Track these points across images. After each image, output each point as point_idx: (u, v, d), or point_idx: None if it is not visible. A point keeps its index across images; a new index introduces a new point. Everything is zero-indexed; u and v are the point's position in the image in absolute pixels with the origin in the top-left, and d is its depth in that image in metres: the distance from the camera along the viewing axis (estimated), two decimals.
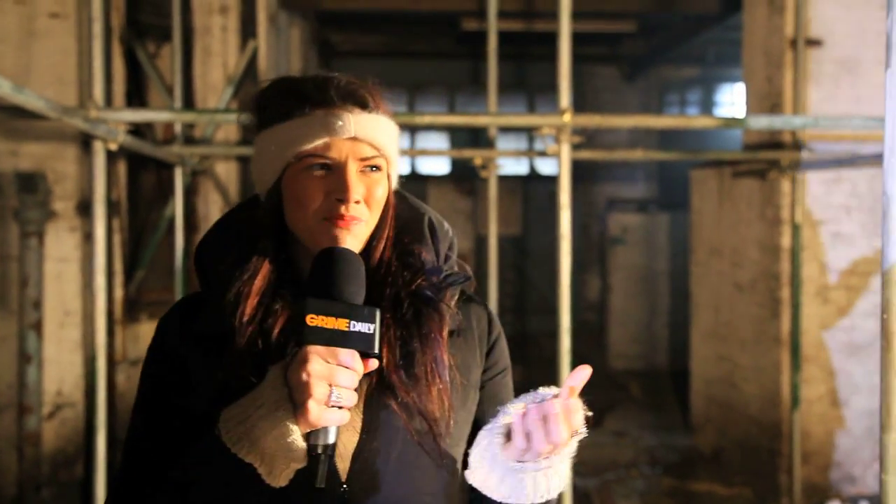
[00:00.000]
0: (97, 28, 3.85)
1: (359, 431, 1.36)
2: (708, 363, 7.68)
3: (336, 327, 1.21)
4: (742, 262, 7.00)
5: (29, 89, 3.03)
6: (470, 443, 1.46)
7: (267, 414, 1.21)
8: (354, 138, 1.38)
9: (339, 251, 1.30)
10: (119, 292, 6.02)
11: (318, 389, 1.18)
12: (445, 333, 1.42)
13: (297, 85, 1.44)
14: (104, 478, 3.99)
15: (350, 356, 1.20)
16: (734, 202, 7.13)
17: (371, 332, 1.23)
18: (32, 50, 5.70)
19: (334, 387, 1.19)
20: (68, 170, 5.73)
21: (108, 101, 5.72)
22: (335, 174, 1.38)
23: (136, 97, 6.29)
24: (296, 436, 1.20)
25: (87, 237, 5.61)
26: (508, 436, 1.29)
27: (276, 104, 1.43)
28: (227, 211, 1.57)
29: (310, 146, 1.37)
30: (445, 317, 1.43)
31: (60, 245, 5.73)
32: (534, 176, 14.35)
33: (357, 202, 1.37)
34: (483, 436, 1.34)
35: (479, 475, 1.34)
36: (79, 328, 5.69)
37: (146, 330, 6.44)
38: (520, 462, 1.28)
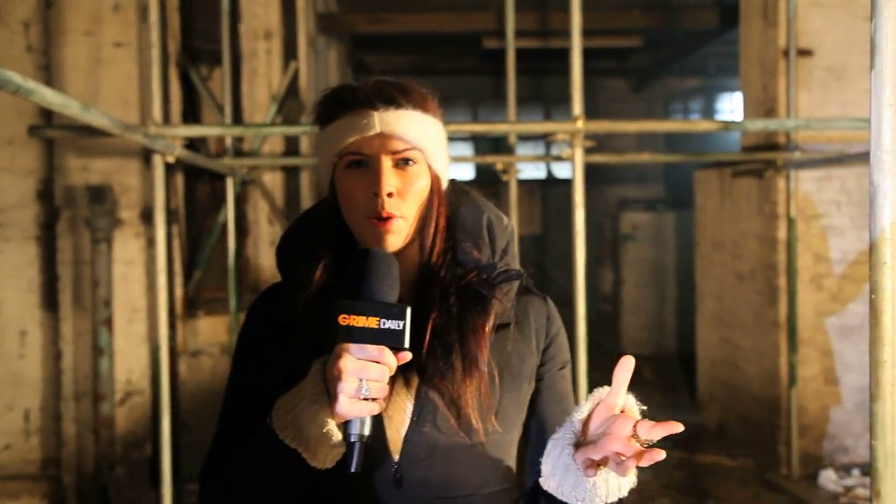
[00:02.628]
0: (155, 54, 3.89)
1: (409, 416, 1.35)
2: (712, 347, 7.64)
3: (367, 325, 1.19)
4: (742, 254, 6.96)
5: (95, 109, 3.06)
6: (526, 431, 1.45)
7: (308, 405, 1.21)
8: (382, 134, 1.35)
9: (371, 252, 1.27)
10: (179, 291, 6.06)
11: (348, 384, 1.17)
12: (489, 328, 1.37)
13: (336, 92, 1.43)
14: (169, 456, 4.03)
15: (379, 352, 1.18)
16: (734, 199, 7.09)
17: (401, 328, 1.20)
18: (100, 76, 5.74)
19: (364, 381, 1.18)
20: (132, 182, 5.77)
21: (166, 118, 5.76)
22: (370, 169, 1.35)
23: (191, 115, 6.33)
24: (331, 426, 1.20)
25: (150, 242, 5.64)
26: (577, 444, 1.22)
27: (322, 110, 1.42)
28: (306, 209, 1.56)
29: (343, 144, 1.36)
30: (491, 312, 1.38)
31: (127, 249, 5.77)
32: (551, 180, 14.33)
33: (390, 195, 1.33)
34: (553, 445, 1.28)
35: (552, 483, 1.28)
36: (144, 323, 5.73)
37: (204, 324, 6.49)
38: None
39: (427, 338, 1.34)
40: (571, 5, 3.89)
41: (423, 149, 1.39)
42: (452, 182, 1.52)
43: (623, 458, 1.13)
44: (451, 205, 1.47)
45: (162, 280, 4.00)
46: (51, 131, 4.65)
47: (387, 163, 1.35)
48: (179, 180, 6.09)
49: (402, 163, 1.37)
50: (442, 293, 1.38)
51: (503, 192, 6.88)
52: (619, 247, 11.73)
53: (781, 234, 6.27)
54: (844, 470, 6.17)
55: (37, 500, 5.79)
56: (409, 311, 1.21)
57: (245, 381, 1.43)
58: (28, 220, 5.83)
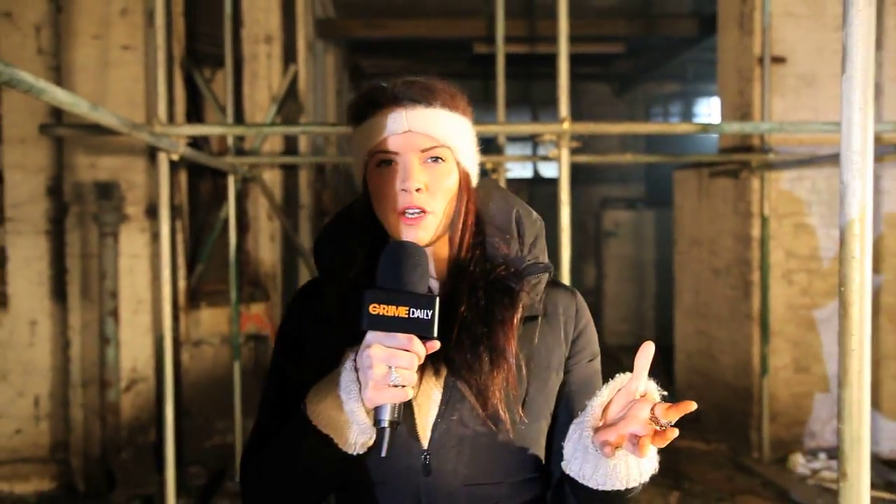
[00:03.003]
0: (161, 57, 3.87)
1: (438, 405, 1.33)
2: (689, 338, 7.66)
3: (397, 314, 1.18)
4: (718, 250, 6.97)
5: (103, 108, 3.05)
6: (555, 421, 1.42)
7: (339, 392, 1.21)
8: (409, 131, 1.33)
9: (401, 244, 1.26)
10: (182, 283, 6.05)
11: (378, 371, 1.15)
12: (517, 320, 1.34)
13: (367, 92, 1.40)
14: (173, 441, 4.01)
15: (408, 340, 1.17)
16: (711, 199, 7.10)
17: (429, 317, 1.18)
18: (108, 77, 5.72)
19: (393, 368, 1.16)
20: (138, 179, 5.75)
21: (171, 118, 5.73)
22: (399, 166, 1.33)
23: (195, 115, 6.32)
24: (361, 412, 1.20)
25: (155, 237, 5.63)
26: (597, 428, 1.21)
27: (355, 111, 1.40)
28: (342, 207, 1.54)
29: (374, 143, 1.35)
30: (519, 304, 1.36)
31: (132, 243, 5.75)
32: (538, 179, 14.30)
33: (419, 190, 1.31)
34: (574, 429, 1.27)
35: (574, 466, 1.25)
36: (149, 314, 5.72)
37: (206, 315, 6.48)
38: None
39: (455, 331, 1.32)
40: (558, 13, 3.89)
41: (452, 146, 1.37)
42: (483, 178, 1.49)
43: (639, 439, 1.13)
44: (480, 200, 1.45)
45: (166, 273, 3.98)
46: (61, 130, 4.63)
47: (415, 160, 1.33)
48: (183, 177, 6.08)
49: (431, 160, 1.35)
50: (470, 287, 1.37)
51: None
52: (602, 243, 11.76)
53: (755, 231, 6.29)
54: (812, 454, 6.19)
55: (46, 482, 5.78)
56: (437, 300, 1.20)
57: (283, 372, 1.43)
58: (38, 215, 5.81)
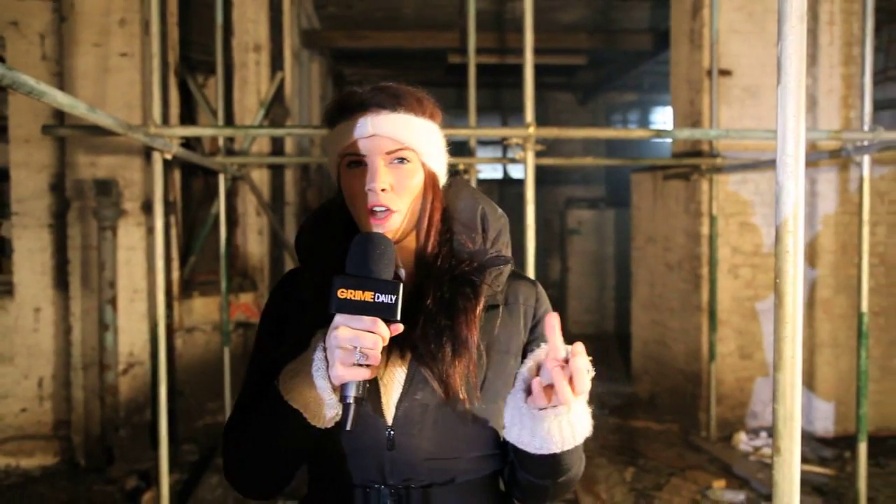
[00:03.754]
0: (156, 64, 3.84)
1: (402, 385, 1.34)
2: (645, 327, 7.70)
3: (362, 299, 1.17)
4: (671, 246, 7.02)
5: (101, 111, 3.02)
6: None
7: (309, 371, 1.21)
8: (374, 135, 1.33)
9: (368, 235, 1.25)
10: (175, 274, 6.01)
11: (343, 351, 1.15)
12: (478, 312, 1.35)
13: (339, 99, 1.40)
14: (166, 420, 3.98)
15: (372, 323, 1.16)
16: (665, 199, 7.15)
17: (393, 302, 1.17)
18: (107, 83, 5.67)
19: (358, 348, 1.15)
20: (135, 177, 5.71)
21: (165, 120, 5.70)
22: (366, 168, 1.33)
23: (188, 118, 6.27)
24: (328, 389, 1.20)
25: (150, 230, 5.59)
26: (529, 391, 1.21)
27: (328, 116, 1.41)
28: (320, 204, 1.53)
29: (344, 146, 1.35)
30: (480, 297, 1.36)
31: (129, 237, 5.71)
32: (507, 179, 14.34)
33: (384, 190, 1.31)
34: (509, 398, 1.28)
35: (513, 433, 1.26)
36: (145, 303, 5.68)
37: (198, 304, 6.44)
38: (541, 409, 1.20)
39: (421, 321, 1.33)
40: (524, 27, 3.90)
41: (416, 148, 1.36)
42: (452, 177, 1.49)
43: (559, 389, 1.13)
44: (449, 199, 1.45)
45: (160, 264, 3.96)
46: (62, 130, 4.58)
47: (381, 161, 1.33)
48: (177, 175, 6.04)
49: (397, 161, 1.35)
50: (436, 281, 1.37)
51: None
52: (566, 240, 11.79)
53: (704, 229, 6.34)
54: (754, 433, 6.27)
55: (49, 457, 5.75)
56: (401, 286, 1.19)
57: (264, 352, 1.43)
58: (42, 209, 5.77)
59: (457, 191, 1.47)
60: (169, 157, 3.90)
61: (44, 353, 5.78)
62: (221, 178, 5.41)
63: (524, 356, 1.41)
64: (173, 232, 5.95)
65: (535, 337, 1.45)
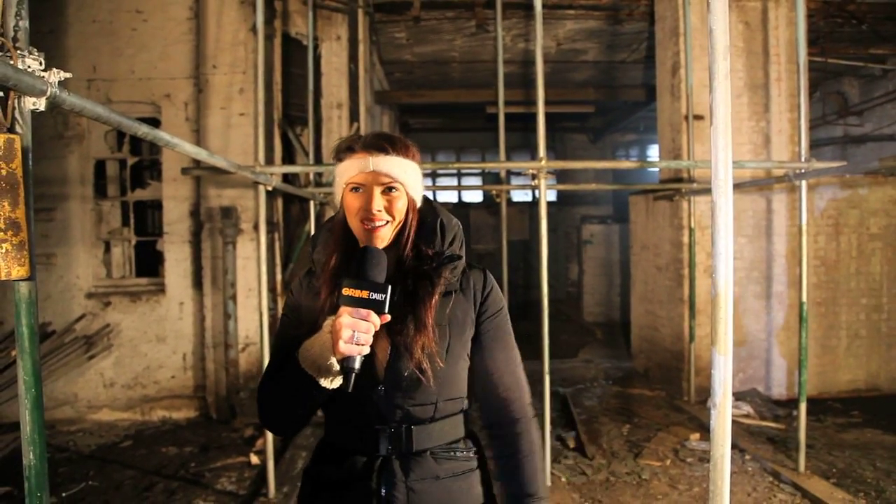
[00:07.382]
0: (260, 120, 3.94)
1: (388, 355, 1.39)
2: (641, 316, 7.57)
3: (360, 296, 1.23)
4: (660, 252, 6.89)
5: (219, 155, 3.11)
6: (473, 358, 1.47)
7: (320, 346, 1.28)
8: (373, 171, 1.39)
9: (368, 249, 1.30)
10: (279, 276, 6.12)
11: (345, 333, 1.22)
12: (436, 298, 1.40)
13: (347, 141, 1.46)
14: None
15: (367, 314, 1.23)
16: (655, 216, 7.03)
17: (383, 299, 1.23)
18: (230, 135, 5.82)
19: (356, 332, 1.22)
20: (249, 204, 5.84)
21: (270, 161, 5.83)
22: (366, 194, 1.39)
23: (288, 159, 6.39)
24: (333, 360, 1.26)
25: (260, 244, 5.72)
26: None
27: (339, 152, 1.45)
28: (327, 219, 1.58)
29: (349, 176, 1.40)
30: (437, 286, 1.41)
31: (245, 249, 5.84)
32: (536, 202, 14.25)
33: (379, 211, 1.38)
34: None
35: None
36: (256, 298, 5.77)
37: None
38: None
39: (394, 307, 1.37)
40: (537, 85, 3.91)
41: (402, 182, 1.41)
42: (426, 200, 1.52)
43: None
44: (421, 215, 1.49)
45: (263, 269, 4.04)
46: (195, 171, 4.72)
47: (377, 190, 1.39)
48: (279, 202, 6.15)
49: (388, 190, 1.40)
50: (404, 276, 1.42)
51: (500, 210, 6.87)
52: (581, 248, 11.64)
53: (685, 239, 6.20)
54: None
55: (191, 411, 5.90)
56: (390, 287, 1.25)
57: (287, 330, 1.47)
58: (184, 230, 5.93)
59: (426, 209, 1.51)
60: (270, 188, 3.98)
61: (186, 336, 5.94)
62: (312, 204, 5.50)
63: (478, 325, 1.47)
64: (277, 245, 6.06)
65: (484, 310, 1.48)
